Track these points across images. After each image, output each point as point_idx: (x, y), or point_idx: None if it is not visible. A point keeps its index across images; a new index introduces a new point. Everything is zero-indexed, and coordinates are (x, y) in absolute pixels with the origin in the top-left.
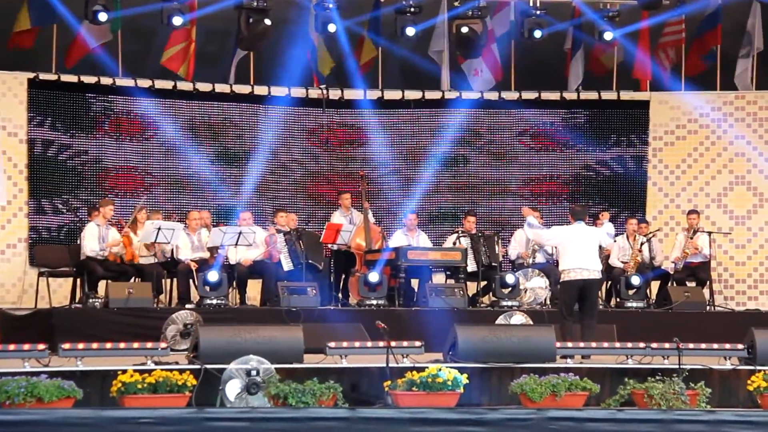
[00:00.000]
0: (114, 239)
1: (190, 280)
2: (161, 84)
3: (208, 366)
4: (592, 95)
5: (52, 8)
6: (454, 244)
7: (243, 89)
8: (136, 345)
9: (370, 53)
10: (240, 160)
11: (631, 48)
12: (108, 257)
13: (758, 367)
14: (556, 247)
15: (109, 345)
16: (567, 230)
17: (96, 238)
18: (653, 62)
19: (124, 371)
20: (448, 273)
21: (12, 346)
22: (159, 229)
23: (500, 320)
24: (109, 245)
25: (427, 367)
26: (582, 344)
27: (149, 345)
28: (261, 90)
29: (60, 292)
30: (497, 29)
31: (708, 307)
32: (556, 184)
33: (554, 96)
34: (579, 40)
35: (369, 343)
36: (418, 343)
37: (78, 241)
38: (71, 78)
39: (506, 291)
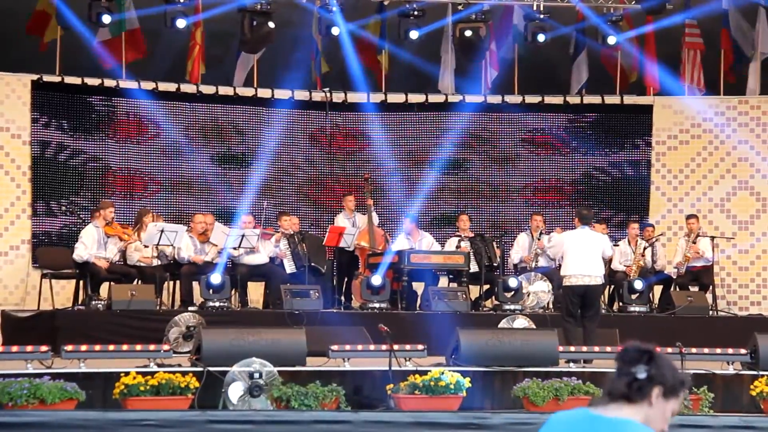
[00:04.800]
0: (112, 250)
1: (193, 282)
2: (164, 86)
3: (211, 368)
4: (595, 99)
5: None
6: (457, 248)
7: (246, 92)
8: (138, 347)
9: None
10: (243, 162)
11: (635, 53)
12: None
13: (761, 372)
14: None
15: (111, 347)
16: (571, 235)
17: (94, 242)
18: (660, 69)
19: (127, 373)
20: (450, 276)
21: (15, 348)
22: (162, 231)
23: (503, 324)
24: (104, 264)
25: (430, 371)
26: (585, 348)
27: (152, 347)
28: (264, 93)
29: (63, 293)
30: (500, 34)
31: (711, 312)
32: (559, 189)
33: (557, 100)
34: (582, 44)
35: (372, 346)
36: (420, 347)
37: None
38: (75, 80)
39: (509, 295)
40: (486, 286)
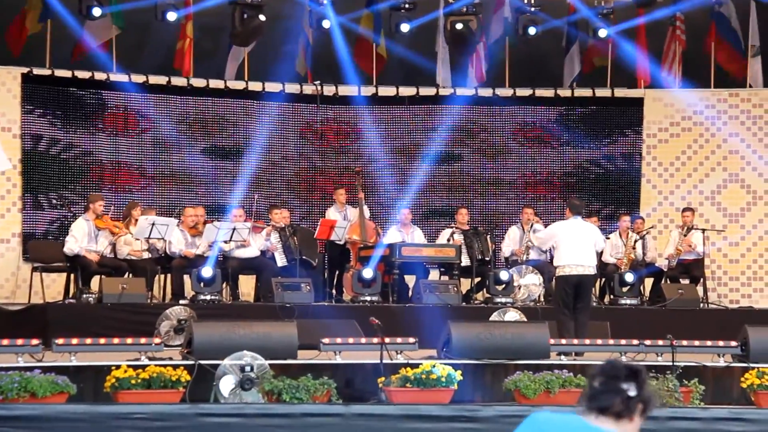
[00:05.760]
0: (103, 243)
1: (184, 276)
2: (155, 79)
3: (202, 362)
4: (586, 92)
5: (47, 4)
6: (449, 240)
7: (237, 85)
8: (129, 340)
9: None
10: (234, 155)
11: (625, 45)
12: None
13: (751, 365)
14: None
15: (102, 340)
16: (563, 225)
17: (85, 235)
18: (651, 61)
19: (118, 367)
20: (442, 269)
21: (5, 341)
22: (153, 224)
23: (494, 317)
24: (95, 257)
25: (421, 364)
26: (576, 341)
27: (143, 341)
28: (255, 86)
29: (53, 287)
30: (493, 26)
31: (701, 305)
32: (550, 181)
33: (548, 93)
34: (574, 37)
35: (363, 340)
36: (412, 340)
37: None
38: (65, 73)
39: (500, 288)
40: (477, 279)
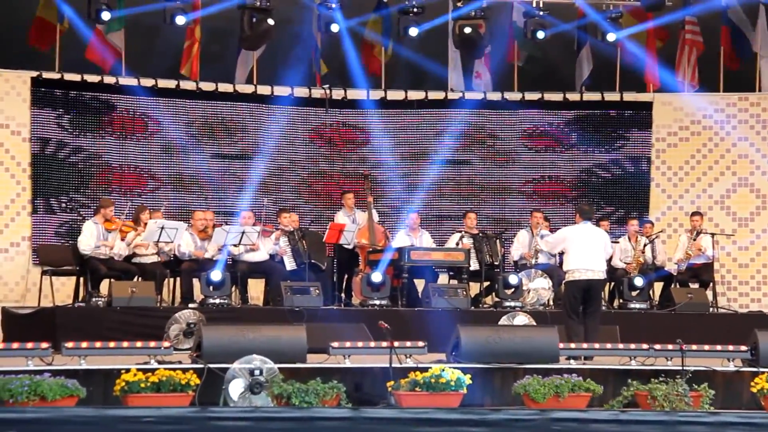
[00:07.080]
0: (113, 241)
1: (193, 279)
2: (164, 83)
3: (212, 365)
4: (595, 96)
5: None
6: (458, 244)
7: (246, 89)
8: (139, 344)
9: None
10: (243, 159)
11: (634, 49)
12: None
13: (761, 369)
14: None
15: (112, 344)
16: (573, 230)
17: (93, 237)
18: (660, 65)
19: (128, 370)
20: (451, 273)
21: (15, 345)
22: (162, 228)
23: (503, 321)
24: (107, 244)
25: (431, 368)
26: (585, 345)
27: (152, 344)
28: (264, 89)
29: (63, 290)
30: (500, 30)
31: (711, 309)
32: (559, 185)
33: (557, 97)
34: (583, 40)
35: (372, 343)
36: (421, 344)
37: None
38: (75, 77)
39: (509, 292)
40: (486, 283)
